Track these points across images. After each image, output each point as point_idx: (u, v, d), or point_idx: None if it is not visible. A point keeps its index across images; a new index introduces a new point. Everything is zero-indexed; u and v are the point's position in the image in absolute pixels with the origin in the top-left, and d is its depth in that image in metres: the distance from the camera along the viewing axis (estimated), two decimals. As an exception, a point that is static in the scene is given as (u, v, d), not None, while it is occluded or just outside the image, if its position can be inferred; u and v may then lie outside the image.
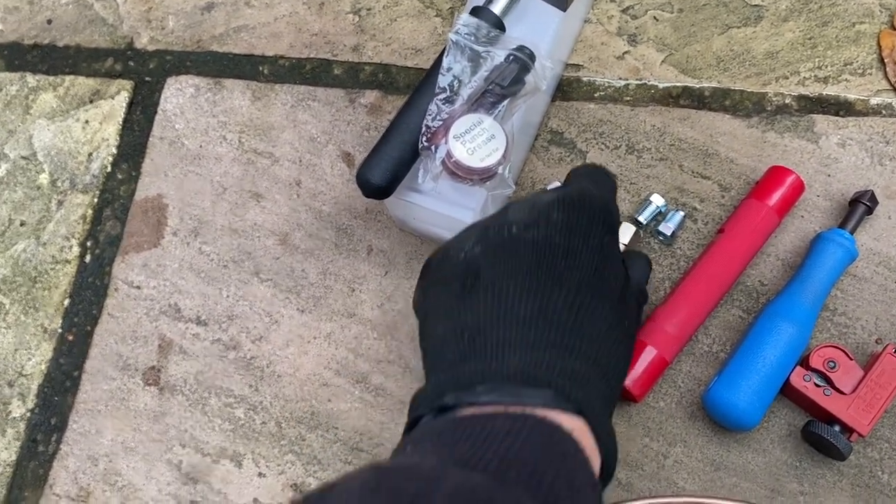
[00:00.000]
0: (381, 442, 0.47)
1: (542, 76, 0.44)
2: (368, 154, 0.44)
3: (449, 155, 0.43)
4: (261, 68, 0.56)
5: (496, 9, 0.45)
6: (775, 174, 0.47)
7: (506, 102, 0.44)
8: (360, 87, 0.55)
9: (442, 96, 0.44)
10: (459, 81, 0.44)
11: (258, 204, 0.53)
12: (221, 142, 0.55)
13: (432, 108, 0.43)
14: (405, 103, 0.45)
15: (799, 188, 0.47)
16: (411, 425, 0.33)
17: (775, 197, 0.46)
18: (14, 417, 0.49)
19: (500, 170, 0.44)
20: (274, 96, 0.55)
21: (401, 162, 0.44)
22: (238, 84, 0.56)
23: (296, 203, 0.53)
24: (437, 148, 0.43)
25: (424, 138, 0.43)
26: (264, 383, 0.48)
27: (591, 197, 0.38)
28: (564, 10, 0.45)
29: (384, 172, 0.44)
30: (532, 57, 0.44)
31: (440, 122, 0.43)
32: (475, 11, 0.45)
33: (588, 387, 0.33)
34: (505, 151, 0.43)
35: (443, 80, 0.44)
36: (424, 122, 0.43)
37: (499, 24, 0.45)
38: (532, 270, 0.35)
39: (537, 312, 0.34)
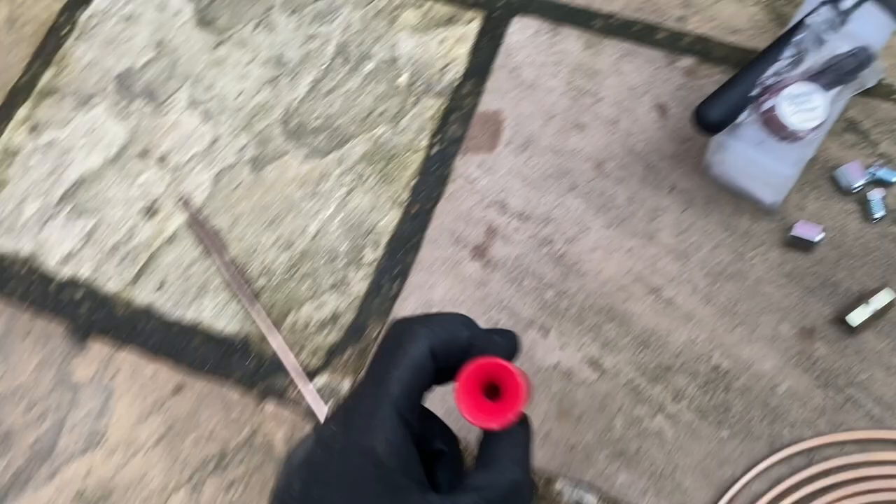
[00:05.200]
0: (666, 343, 0.56)
1: (872, 76, 0.52)
2: (709, 96, 0.53)
3: (773, 108, 0.51)
4: (593, 22, 0.66)
5: (844, 6, 0.54)
6: None
7: (838, 89, 0.53)
8: (679, 52, 0.64)
9: (787, 62, 0.52)
10: (802, 57, 0.53)
11: (579, 133, 0.63)
12: (553, 77, 0.65)
13: (775, 67, 0.52)
14: (751, 61, 0.54)
15: None
16: None
17: None
18: (367, 262, 0.61)
19: (807, 136, 0.52)
20: (602, 47, 0.65)
21: (735, 107, 0.53)
22: (573, 31, 0.66)
23: (611, 138, 0.62)
24: (766, 100, 0.52)
25: (759, 88, 0.52)
26: (571, 276, 0.58)
27: None
28: (901, 22, 0.53)
29: (720, 111, 0.53)
30: (871, 58, 0.52)
31: (777, 80, 0.52)
32: (827, 2, 0.54)
33: None
34: (820, 124, 0.51)
35: (789, 51, 0.52)
36: (765, 75, 0.52)
37: (844, 20, 0.54)
38: None
39: None
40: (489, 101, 0.65)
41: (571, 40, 0.66)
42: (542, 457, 0.53)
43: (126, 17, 0.73)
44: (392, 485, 0.30)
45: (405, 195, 0.63)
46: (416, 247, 0.61)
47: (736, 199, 0.59)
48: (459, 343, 0.33)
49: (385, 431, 0.30)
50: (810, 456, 0.51)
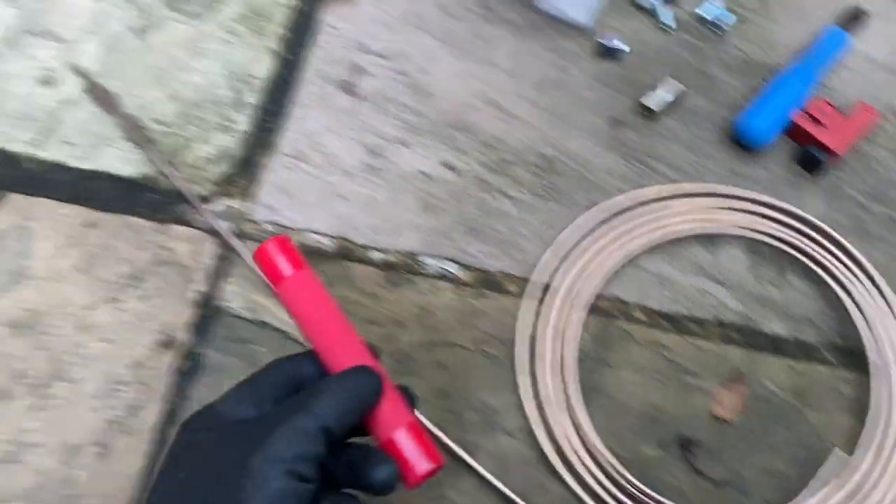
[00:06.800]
0: (505, 143, 0.67)
1: None
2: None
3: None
4: None
5: None
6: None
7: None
8: None
9: None
10: None
11: (425, -17, 0.73)
12: (400, -63, 0.74)
13: None
14: None
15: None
16: None
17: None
18: (249, 104, 0.70)
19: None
20: None
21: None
22: None
23: (453, -15, 0.72)
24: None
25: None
26: (426, 100, 0.69)
27: None
28: None
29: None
30: None
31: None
32: None
33: None
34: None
35: None
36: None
37: None
38: None
39: None
40: (346, -39, 0.74)
41: None
42: (411, 242, 0.64)
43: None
44: None
45: (278, 46, 0.72)
46: (291, 88, 0.70)
47: (557, 24, 0.70)
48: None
49: None
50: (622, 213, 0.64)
